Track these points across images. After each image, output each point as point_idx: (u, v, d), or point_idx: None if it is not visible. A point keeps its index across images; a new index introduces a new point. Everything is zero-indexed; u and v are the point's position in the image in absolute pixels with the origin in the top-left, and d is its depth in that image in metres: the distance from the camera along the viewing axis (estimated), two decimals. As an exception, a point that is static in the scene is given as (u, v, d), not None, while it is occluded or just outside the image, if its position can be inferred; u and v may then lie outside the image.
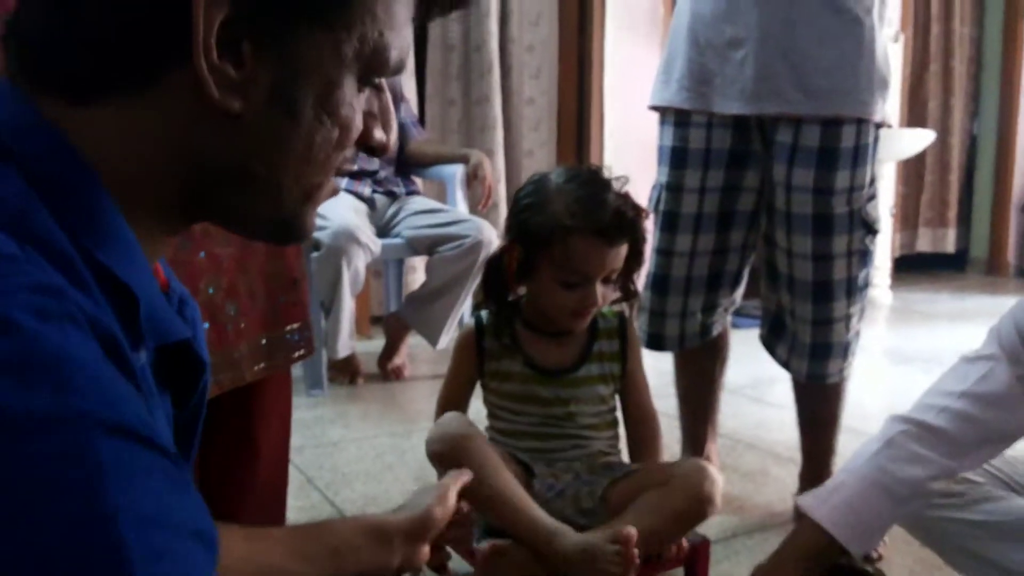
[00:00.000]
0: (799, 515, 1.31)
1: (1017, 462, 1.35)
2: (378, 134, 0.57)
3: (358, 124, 0.54)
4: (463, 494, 0.96)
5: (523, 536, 1.20)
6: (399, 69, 0.55)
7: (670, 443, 2.00)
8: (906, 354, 3.29)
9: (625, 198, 1.30)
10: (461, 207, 2.78)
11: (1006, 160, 5.08)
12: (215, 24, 0.46)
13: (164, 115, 0.48)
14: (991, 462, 1.33)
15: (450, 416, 1.29)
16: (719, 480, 1.30)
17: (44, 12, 0.48)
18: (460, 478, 0.97)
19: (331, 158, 0.54)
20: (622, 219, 1.27)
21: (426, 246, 2.62)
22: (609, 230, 1.26)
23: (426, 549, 0.91)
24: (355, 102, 0.53)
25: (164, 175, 0.50)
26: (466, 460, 1.16)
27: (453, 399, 1.40)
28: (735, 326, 3.11)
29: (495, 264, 1.35)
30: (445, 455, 1.23)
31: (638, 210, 1.31)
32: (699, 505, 1.28)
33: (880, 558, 1.53)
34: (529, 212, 1.30)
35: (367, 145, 0.57)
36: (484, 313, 1.39)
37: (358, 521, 0.90)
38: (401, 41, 0.54)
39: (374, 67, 0.53)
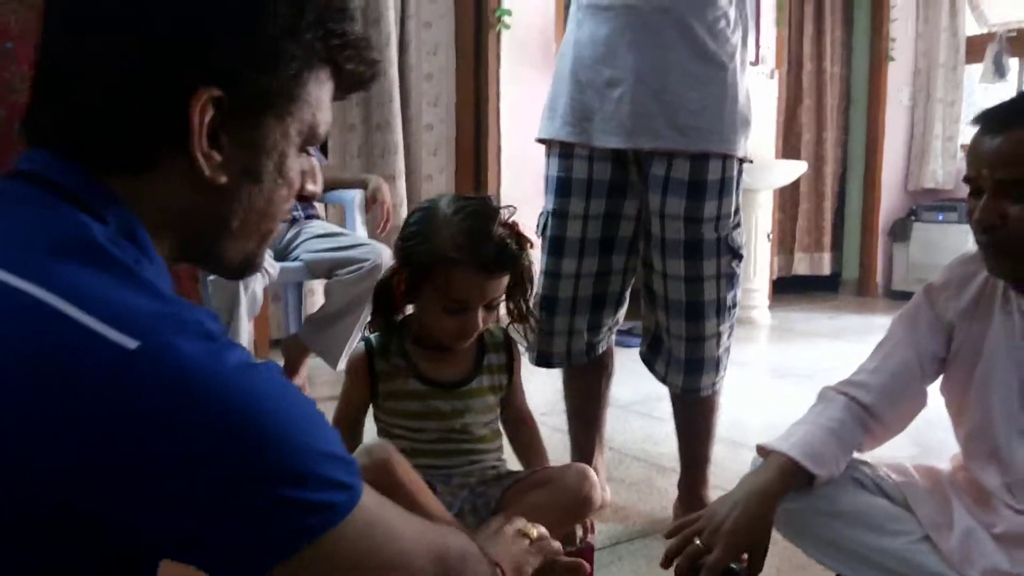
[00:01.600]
0: (761, 451, 1.41)
1: (879, 466, 1.51)
2: (310, 186, 0.74)
3: (300, 182, 0.72)
4: None
5: None
6: (325, 138, 0.76)
7: (562, 456, 2.11)
8: (784, 370, 3.51)
9: (511, 229, 1.36)
10: (360, 231, 2.83)
11: (873, 189, 5.49)
12: (205, 124, 0.62)
13: (165, 187, 0.64)
14: (857, 466, 1.48)
15: (376, 441, 1.29)
16: (597, 483, 1.41)
17: (61, 114, 0.63)
18: None
19: (282, 210, 0.72)
20: (504, 252, 1.32)
21: (325, 269, 2.65)
22: (491, 264, 1.31)
23: None
24: (296, 165, 0.71)
25: (165, 230, 0.65)
26: (394, 480, 1.18)
27: (346, 422, 1.45)
28: (626, 346, 3.27)
29: (384, 286, 1.40)
30: (369, 476, 1.26)
31: (522, 242, 1.37)
32: (580, 505, 1.39)
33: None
34: (416, 240, 1.34)
35: (301, 196, 0.74)
36: (373, 336, 1.44)
37: None
38: (327, 117, 0.72)
39: (310, 139, 0.71)
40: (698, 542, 1.30)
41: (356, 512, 0.60)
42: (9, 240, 0.54)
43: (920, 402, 1.47)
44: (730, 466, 1.97)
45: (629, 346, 3.32)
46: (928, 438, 1.94)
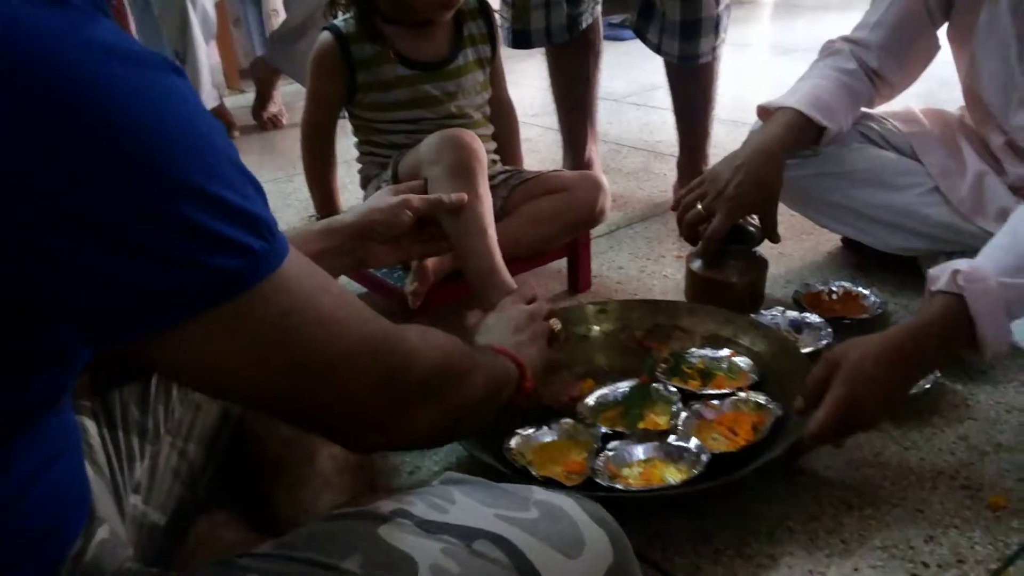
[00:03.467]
0: (762, 113, 1.33)
1: (875, 116, 1.39)
2: None
3: None
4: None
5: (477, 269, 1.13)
6: None
7: (555, 153, 2.00)
8: (789, 46, 3.29)
9: None
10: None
11: None
12: None
13: None
14: (863, 121, 1.36)
15: (451, 130, 1.17)
16: (609, 192, 1.33)
17: None
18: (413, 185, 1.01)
19: None
20: None
21: (278, -24, 2.39)
22: None
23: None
24: None
25: None
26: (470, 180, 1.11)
27: (318, 127, 1.32)
28: (617, 38, 3.05)
29: None
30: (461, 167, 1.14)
31: None
32: (591, 216, 1.32)
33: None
34: None
35: None
36: (339, 21, 1.26)
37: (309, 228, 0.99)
38: None
39: None
40: (700, 207, 1.22)
41: (285, 272, 0.47)
42: None
43: (930, 51, 1.32)
44: (731, 145, 1.83)
45: (621, 38, 3.11)
46: (940, 97, 1.79)
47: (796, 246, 1.53)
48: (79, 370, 0.51)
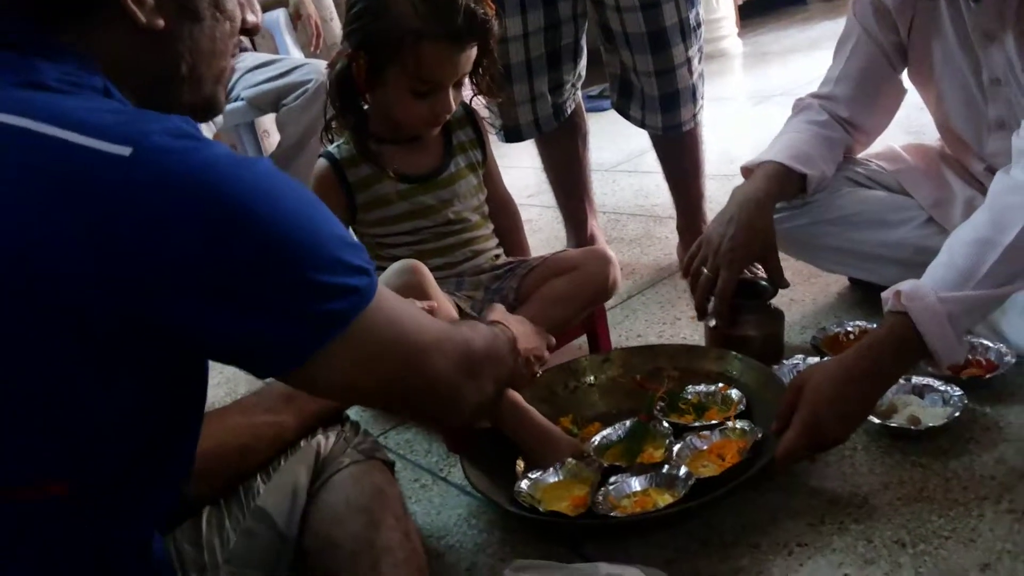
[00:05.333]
0: (745, 172, 1.37)
1: (859, 160, 1.44)
2: (250, 17, 0.73)
3: (239, 13, 0.71)
4: None
5: None
6: None
7: (557, 231, 2.06)
8: (765, 93, 3.39)
9: None
10: (294, 52, 2.64)
11: None
12: None
13: (110, 37, 0.63)
14: (848, 166, 1.41)
15: (404, 263, 1.19)
16: (617, 264, 1.36)
17: None
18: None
19: (229, 46, 0.71)
20: (473, 18, 1.16)
21: (270, 102, 2.49)
22: (461, 33, 1.15)
23: None
24: None
25: (125, 83, 0.63)
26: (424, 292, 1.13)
27: None
28: (598, 109, 3.15)
29: (342, 77, 1.23)
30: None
31: (485, 5, 1.19)
32: (604, 289, 1.36)
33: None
34: (368, 17, 1.18)
35: (244, 28, 0.72)
36: (333, 147, 1.32)
37: None
38: None
39: None
40: (706, 271, 1.26)
41: (379, 299, 0.63)
42: None
43: (897, 96, 1.39)
44: (725, 200, 1.90)
45: (601, 109, 3.20)
46: (918, 122, 1.86)
47: (806, 291, 1.57)
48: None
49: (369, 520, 0.88)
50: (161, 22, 0.65)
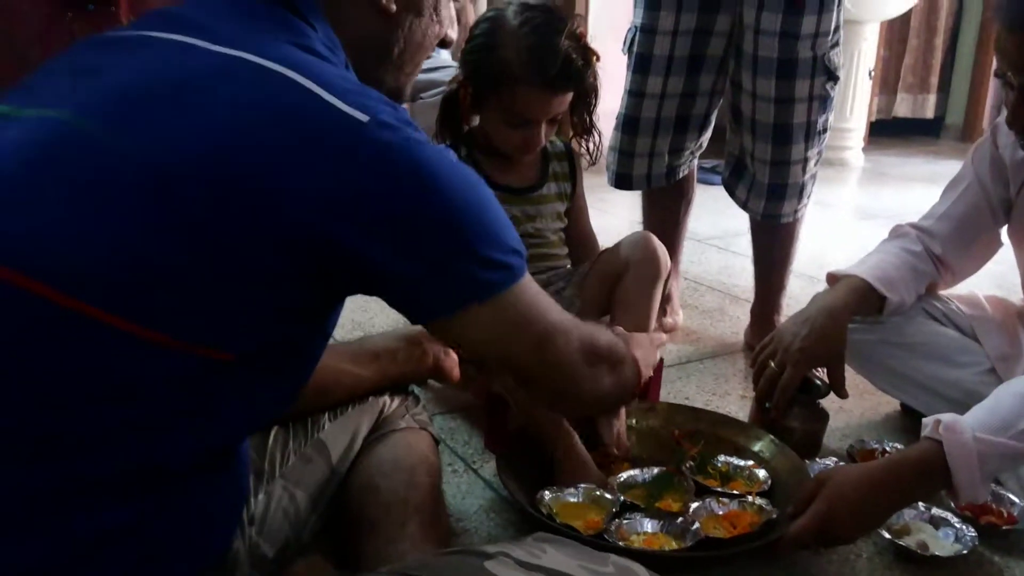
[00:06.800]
0: (831, 279, 1.43)
1: (941, 297, 1.50)
2: (452, 33, 0.84)
3: (447, 24, 0.83)
4: None
5: None
6: None
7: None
8: (872, 212, 3.42)
9: (578, 41, 1.33)
10: (443, 53, 2.80)
11: (990, 24, 5.06)
12: None
13: (353, 12, 0.76)
14: (928, 299, 1.47)
15: None
16: (660, 246, 1.42)
17: None
18: None
19: (431, 46, 0.82)
20: (569, 68, 1.30)
21: (411, 92, 2.65)
22: (555, 81, 1.30)
23: (454, 357, 1.10)
24: (448, 10, 0.83)
25: (346, 53, 0.75)
26: None
27: None
28: (708, 183, 3.23)
29: (450, 99, 1.41)
30: None
31: (588, 55, 1.34)
32: (660, 272, 1.41)
33: None
34: (481, 53, 1.34)
35: (442, 41, 0.84)
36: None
37: (395, 331, 1.17)
38: None
39: None
40: (772, 364, 1.32)
41: (526, 282, 0.73)
42: (262, 36, 0.67)
43: (992, 246, 1.44)
44: (804, 298, 1.94)
45: (711, 183, 3.28)
46: (1010, 281, 1.88)
47: (856, 404, 1.61)
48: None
49: (410, 480, 0.98)
50: (394, 7, 0.77)
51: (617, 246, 1.45)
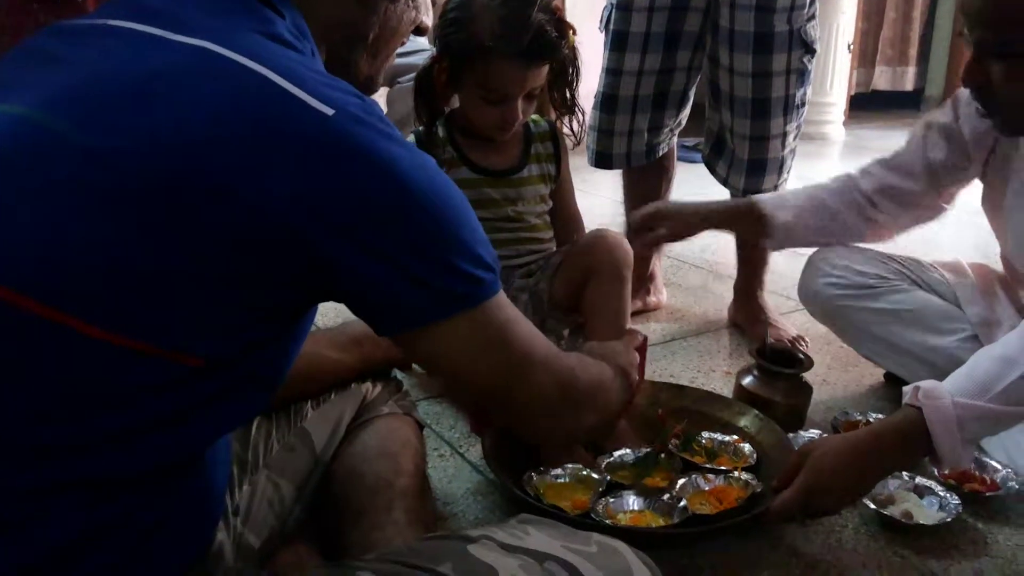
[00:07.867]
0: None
1: (925, 265, 1.51)
2: (425, 19, 0.83)
3: (422, 10, 0.81)
4: None
5: None
6: None
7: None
8: (852, 186, 3.42)
9: (553, 14, 1.31)
10: (420, 39, 2.77)
11: (969, -5, 5.06)
12: None
13: (329, 2, 0.74)
14: (902, 261, 1.48)
15: None
16: (625, 244, 1.38)
17: None
18: None
19: (406, 31, 0.81)
20: (543, 40, 1.28)
21: (387, 77, 2.63)
22: (528, 52, 1.28)
23: None
24: None
25: (320, 40, 0.73)
26: None
27: None
28: (689, 160, 3.22)
29: (424, 77, 1.38)
30: None
31: (563, 28, 1.31)
32: (624, 268, 1.36)
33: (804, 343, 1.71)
34: (454, 27, 1.31)
35: (416, 28, 0.82)
36: (419, 130, 1.44)
37: None
38: None
39: None
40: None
41: (500, 301, 0.68)
42: (226, 24, 0.65)
43: (923, 207, 1.47)
44: (787, 272, 1.98)
45: (691, 161, 3.27)
46: (995, 250, 1.90)
47: (840, 376, 1.62)
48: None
49: (394, 465, 0.98)
50: None
51: (578, 249, 1.41)
